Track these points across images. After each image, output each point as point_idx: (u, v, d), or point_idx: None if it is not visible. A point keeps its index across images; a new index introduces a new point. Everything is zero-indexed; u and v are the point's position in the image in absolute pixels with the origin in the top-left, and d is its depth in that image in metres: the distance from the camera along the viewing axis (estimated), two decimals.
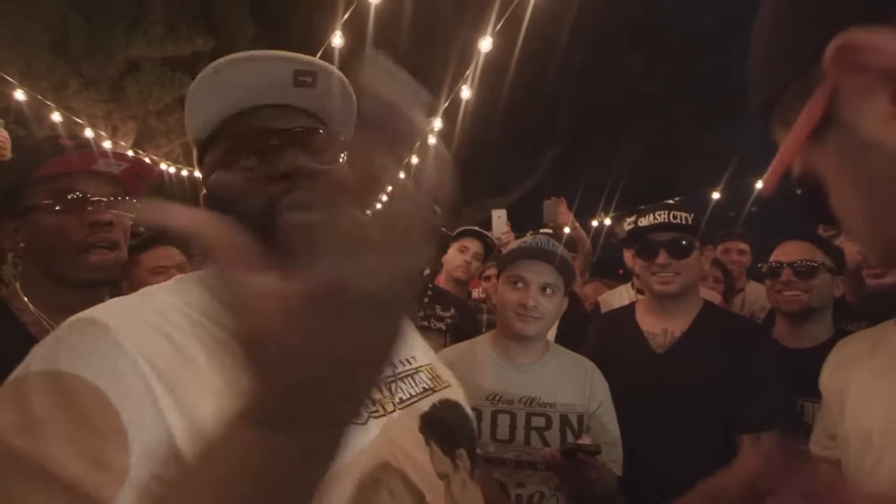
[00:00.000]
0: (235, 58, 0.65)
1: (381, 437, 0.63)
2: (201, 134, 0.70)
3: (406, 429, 0.68)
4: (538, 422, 1.35)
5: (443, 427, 0.74)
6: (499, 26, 2.39)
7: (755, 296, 2.95)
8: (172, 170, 7.09)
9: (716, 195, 4.87)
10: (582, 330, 1.82)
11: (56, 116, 4.95)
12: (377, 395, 0.67)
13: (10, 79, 4.38)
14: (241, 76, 0.65)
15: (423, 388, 0.77)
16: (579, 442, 1.21)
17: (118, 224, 1.05)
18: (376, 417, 0.65)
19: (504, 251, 1.58)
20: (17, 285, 1.08)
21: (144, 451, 0.44)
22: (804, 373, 1.31)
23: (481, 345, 1.48)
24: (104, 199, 1.04)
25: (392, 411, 0.69)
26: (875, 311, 1.08)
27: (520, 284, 1.35)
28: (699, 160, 11.76)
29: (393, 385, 0.73)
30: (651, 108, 11.86)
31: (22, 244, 1.04)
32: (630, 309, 1.64)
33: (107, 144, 5.86)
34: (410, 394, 0.74)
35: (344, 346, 0.28)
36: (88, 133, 5.38)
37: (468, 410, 0.81)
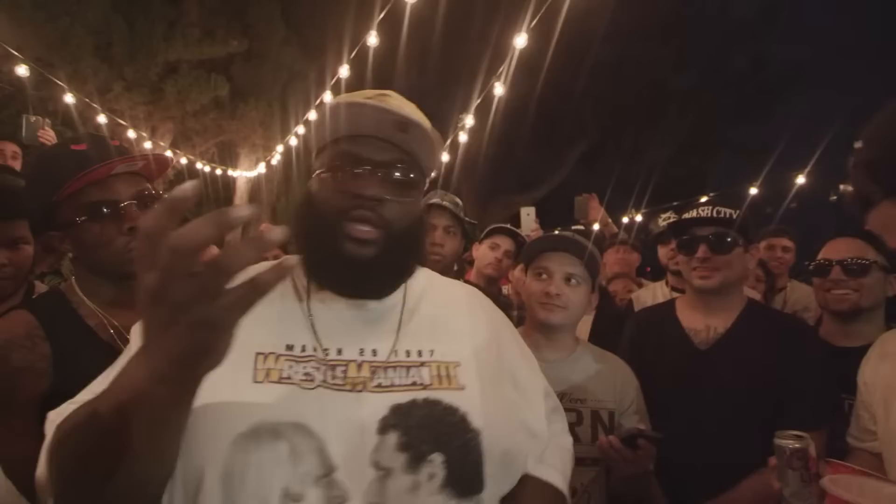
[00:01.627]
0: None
1: (316, 404, 0.71)
2: (318, 144, 0.87)
3: (359, 409, 0.72)
4: (569, 417, 1.34)
5: (410, 425, 0.72)
6: (534, 23, 2.39)
7: (797, 295, 2.87)
8: (207, 168, 7.32)
9: (753, 190, 4.73)
10: (616, 327, 1.81)
11: (101, 118, 5.17)
12: (352, 373, 0.75)
13: (59, 82, 4.60)
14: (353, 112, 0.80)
15: (414, 382, 0.76)
16: (640, 426, 1.20)
17: None
18: (334, 389, 0.72)
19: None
20: (73, 280, 1.14)
21: None
22: (853, 372, 1.28)
23: None
24: (135, 202, 1.07)
25: (360, 390, 0.74)
26: None
27: (544, 276, 1.36)
28: (732, 155, 11.42)
29: (379, 370, 0.76)
30: (682, 102, 11.56)
31: (70, 254, 1.11)
32: (670, 305, 1.63)
33: (147, 145, 6.08)
34: (393, 383, 0.75)
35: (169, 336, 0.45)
36: (131, 134, 5.60)
37: (470, 421, 0.76)
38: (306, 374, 0.73)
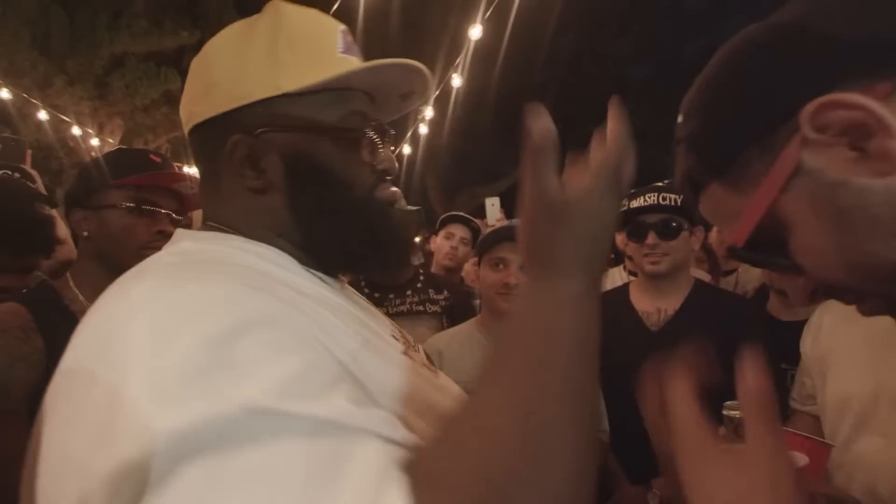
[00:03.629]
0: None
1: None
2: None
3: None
4: None
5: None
6: (488, 13, 2.40)
7: (749, 275, 3.00)
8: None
9: None
10: None
11: (42, 115, 4.88)
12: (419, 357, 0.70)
13: None
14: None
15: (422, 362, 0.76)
16: None
17: (171, 235, 1.18)
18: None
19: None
20: (68, 275, 1.17)
21: None
22: (796, 344, 1.35)
23: (468, 330, 1.51)
24: (172, 213, 1.20)
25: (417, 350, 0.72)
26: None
27: (500, 266, 1.38)
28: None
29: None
30: (640, 92, 11.88)
31: (86, 233, 1.16)
32: (624, 289, 1.68)
33: (94, 142, 5.79)
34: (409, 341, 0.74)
35: (611, 212, 0.45)
36: (76, 131, 5.31)
37: None
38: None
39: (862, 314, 0.49)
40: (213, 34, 0.64)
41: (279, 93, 0.56)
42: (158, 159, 1.24)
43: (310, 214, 0.58)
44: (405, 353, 0.62)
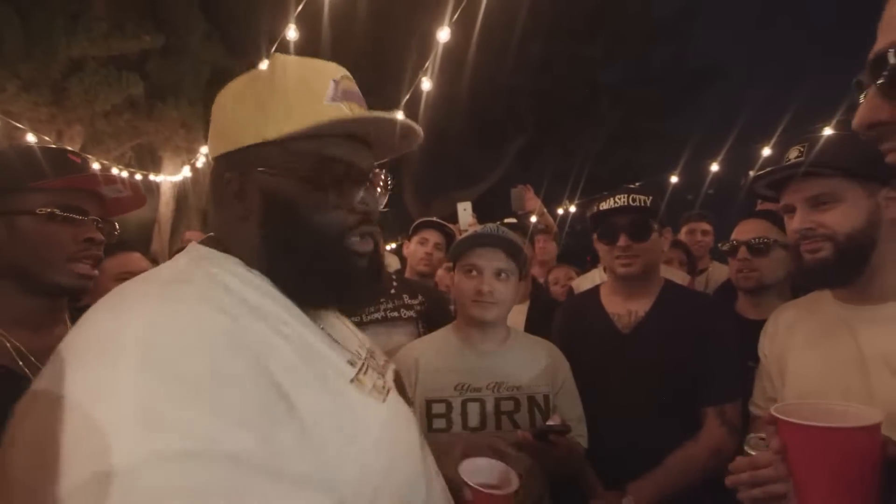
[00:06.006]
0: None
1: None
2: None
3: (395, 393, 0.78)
4: (507, 406, 1.36)
5: (403, 391, 0.83)
6: (455, 16, 2.38)
7: (718, 275, 3.06)
8: (125, 174, 6.79)
9: (674, 179, 5.02)
10: (550, 316, 1.84)
11: None
12: (375, 363, 0.77)
13: None
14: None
15: (384, 361, 0.84)
16: (549, 423, 1.24)
17: (100, 243, 1.08)
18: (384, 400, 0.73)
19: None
20: None
21: None
22: None
23: (444, 336, 1.48)
24: (97, 219, 1.08)
25: (383, 375, 0.78)
26: (812, 283, 1.15)
27: (474, 272, 1.37)
28: (660, 146, 12.11)
29: (371, 355, 0.79)
30: (611, 96, 12.11)
31: None
32: (595, 291, 1.67)
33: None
34: (381, 364, 0.81)
35: None
36: (31, 138, 5.08)
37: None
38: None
39: None
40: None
41: (262, 140, 0.66)
42: (78, 159, 1.11)
43: (275, 248, 0.67)
44: (355, 379, 0.68)
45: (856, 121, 0.51)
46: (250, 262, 0.67)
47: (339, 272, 0.68)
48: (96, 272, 1.08)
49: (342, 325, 0.80)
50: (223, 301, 0.59)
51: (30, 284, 1.01)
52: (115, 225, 1.14)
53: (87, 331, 0.53)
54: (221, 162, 0.70)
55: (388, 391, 0.74)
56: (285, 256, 0.67)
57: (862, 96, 0.52)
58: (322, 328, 0.71)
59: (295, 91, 0.67)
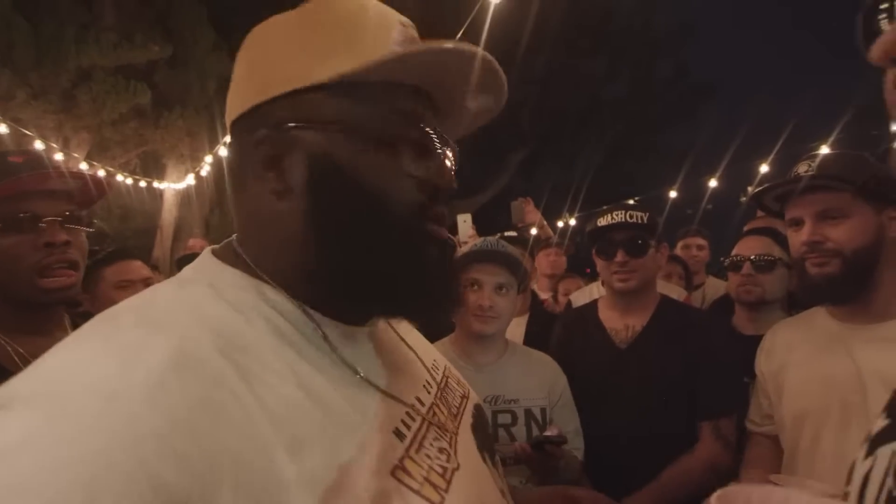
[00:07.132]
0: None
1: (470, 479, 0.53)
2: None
3: (471, 453, 0.58)
4: (504, 419, 1.38)
5: (485, 435, 0.64)
6: (460, 33, 2.43)
7: (714, 290, 3.07)
8: (130, 181, 6.85)
9: (673, 194, 5.05)
10: (549, 328, 1.86)
11: (2, 128, 4.71)
12: (441, 417, 0.57)
13: None
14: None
15: (461, 394, 0.67)
16: (546, 434, 1.25)
17: (74, 242, 1.02)
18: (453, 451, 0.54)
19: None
20: None
21: None
22: None
23: (442, 350, 1.50)
24: (58, 218, 0.98)
25: (455, 432, 0.57)
26: (816, 299, 1.16)
27: (475, 287, 1.39)
28: (660, 160, 12.19)
29: (442, 398, 0.61)
30: (613, 110, 12.22)
31: None
32: (593, 306, 1.69)
33: (58, 156, 5.61)
34: (455, 405, 0.63)
35: None
36: (38, 145, 5.14)
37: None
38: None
39: None
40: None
41: (311, 83, 0.48)
42: (19, 159, 1.01)
43: (325, 232, 0.48)
44: (399, 466, 0.46)
45: (877, 50, 0.45)
46: (284, 266, 0.50)
47: (418, 265, 0.50)
48: (73, 279, 1.01)
49: (406, 349, 0.62)
50: (200, 354, 0.40)
51: (9, 297, 0.98)
52: (94, 212, 1.06)
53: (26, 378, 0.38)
54: (246, 122, 0.51)
55: (453, 471, 0.51)
56: (340, 243, 0.48)
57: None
58: (380, 360, 0.54)
59: (359, 27, 0.50)
